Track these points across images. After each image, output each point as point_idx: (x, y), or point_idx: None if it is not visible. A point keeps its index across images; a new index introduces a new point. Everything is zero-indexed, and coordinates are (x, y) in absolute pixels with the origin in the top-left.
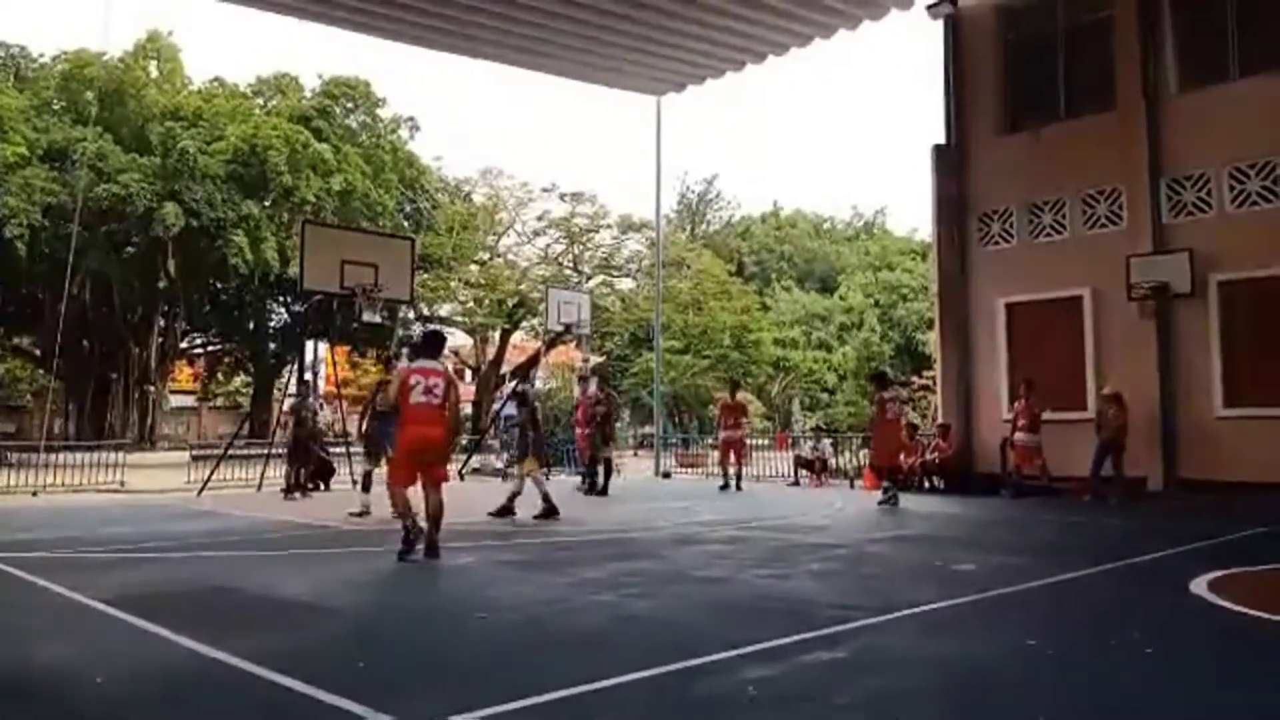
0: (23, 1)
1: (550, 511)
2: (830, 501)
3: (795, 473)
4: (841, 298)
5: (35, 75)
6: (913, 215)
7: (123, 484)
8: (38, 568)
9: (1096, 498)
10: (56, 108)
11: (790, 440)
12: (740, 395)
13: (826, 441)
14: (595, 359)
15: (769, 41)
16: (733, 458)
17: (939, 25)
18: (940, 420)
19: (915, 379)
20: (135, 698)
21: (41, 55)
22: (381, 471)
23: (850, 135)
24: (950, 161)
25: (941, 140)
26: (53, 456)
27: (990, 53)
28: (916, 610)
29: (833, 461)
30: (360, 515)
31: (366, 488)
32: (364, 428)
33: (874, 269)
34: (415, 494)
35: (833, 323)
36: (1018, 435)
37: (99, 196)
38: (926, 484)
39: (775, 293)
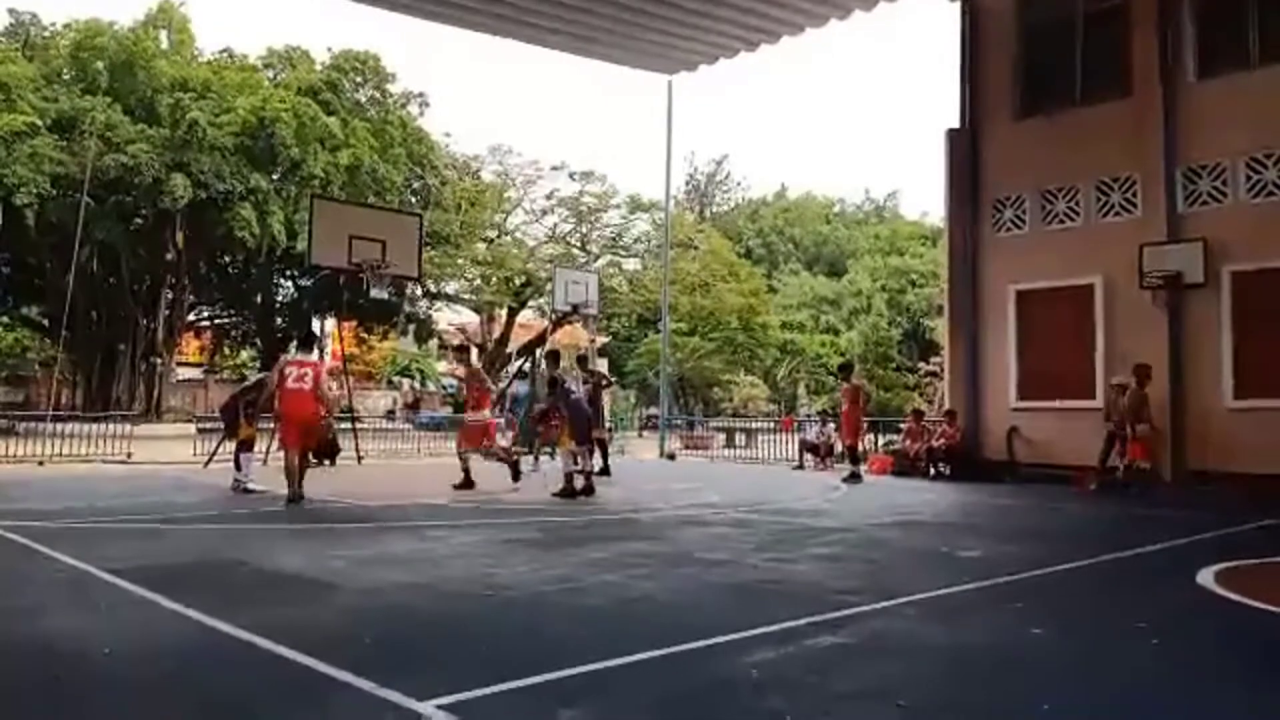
0: None
1: (570, 491)
2: (835, 485)
3: (800, 456)
4: (850, 282)
5: (45, 44)
6: (925, 200)
7: (129, 455)
8: (44, 537)
9: (1104, 486)
10: (66, 77)
11: (796, 424)
12: (748, 377)
13: (831, 425)
14: (601, 339)
15: (783, 21)
16: (468, 444)
17: (956, 7)
18: (947, 406)
19: (923, 365)
20: (142, 669)
21: (52, 24)
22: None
23: (863, 118)
24: (964, 146)
25: (955, 124)
26: (59, 426)
27: (1006, 36)
28: (922, 596)
29: (838, 445)
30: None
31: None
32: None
33: (884, 254)
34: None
35: (841, 307)
36: (1138, 426)
37: (107, 167)
38: (933, 470)
39: (783, 275)
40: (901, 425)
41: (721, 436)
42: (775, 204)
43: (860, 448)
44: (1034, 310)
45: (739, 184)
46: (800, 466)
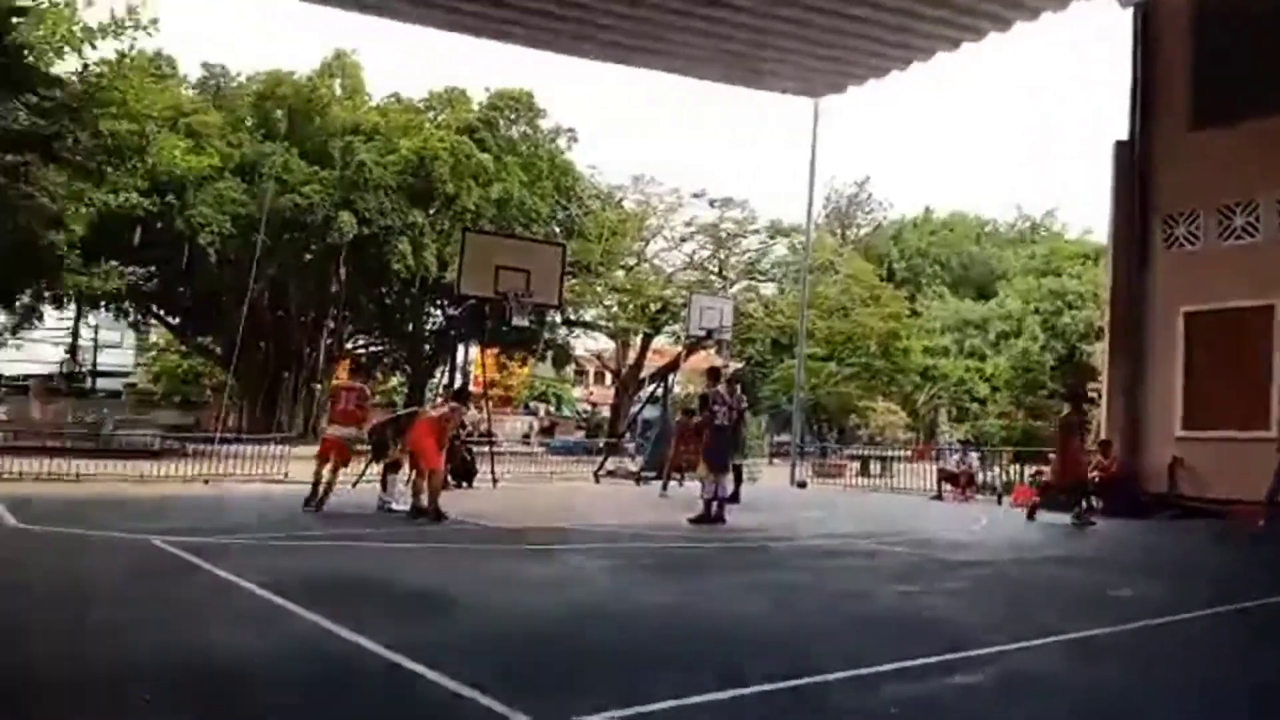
0: (226, 23)
1: (705, 518)
2: (976, 518)
3: (939, 486)
4: (999, 304)
5: (233, 94)
6: (1085, 217)
7: (286, 475)
8: (204, 551)
9: (1271, 523)
10: (249, 124)
11: (935, 452)
12: (885, 404)
13: (974, 454)
14: (734, 365)
15: (939, 37)
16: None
17: (1127, 14)
18: (1103, 436)
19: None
20: (289, 681)
21: (239, 74)
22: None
23: (1016, 133)
24: (1133, 159)
25: (1124, 136)
26: (224, 448)
27: (1182, 43)
28: (1066, 637)
29: (980, 476)
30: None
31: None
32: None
33: (1038, 274)
34: None
35: (988, 330)
36: None
37: (282, 207)
38: (1085, 503)
39: (927, 299)
40: (1051, 455)
41: (855, 464)
42: (921, 225)
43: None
44: (1205, 333)
45: (881, 205)
46: (939, 497)
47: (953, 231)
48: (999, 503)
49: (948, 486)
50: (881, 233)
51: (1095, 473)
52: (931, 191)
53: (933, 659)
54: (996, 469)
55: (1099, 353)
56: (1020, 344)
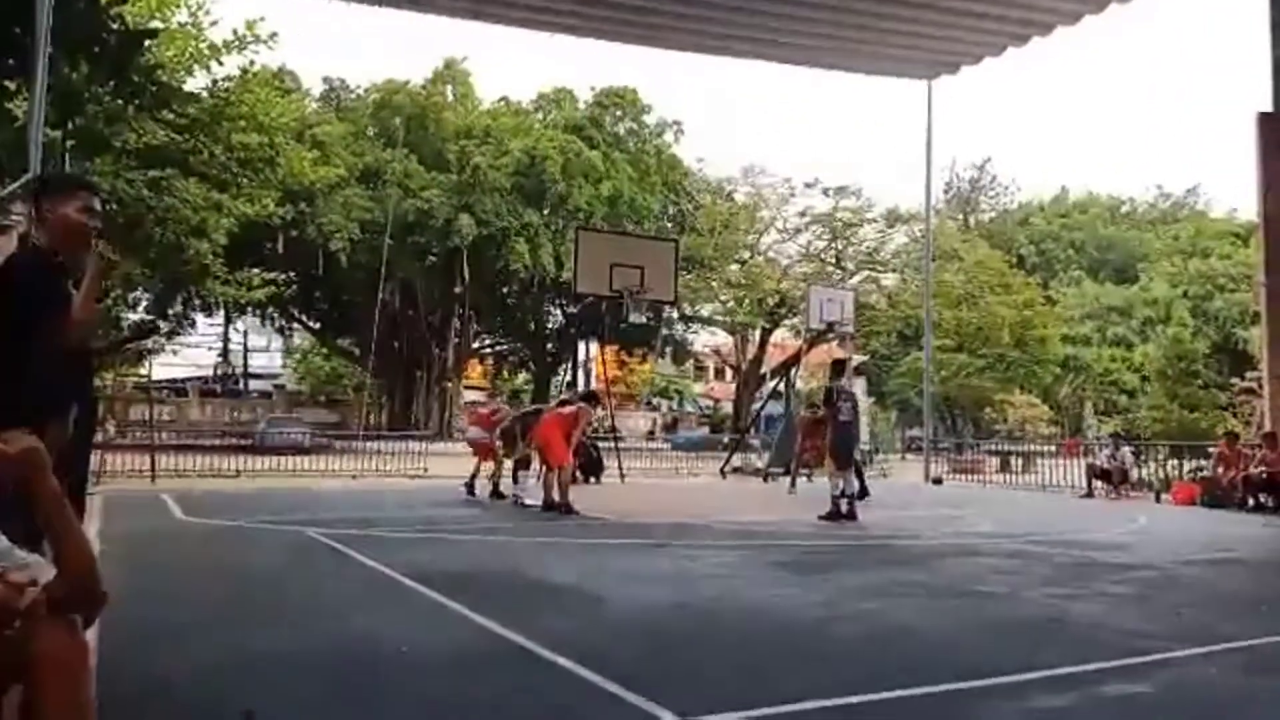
0: (345, 36)
1: (836, 515)
2: (1132, 517)
3: (1089, 483)
4: (1143, 288)
5: (353, 105)
6: (1232, 194)
7: (425, 470)
8: (351, 541)
9: None
10: (370, 134)
11: (1083, 448)
12: (1024, 396)
13: (1126, 449)
14: (857, 358)
15: (1057, 11)
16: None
17: None
18: (1267, 428)
19: (1236, 380)
20: (433, 669)
21: (358, 87)
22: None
23: (1150, 109)
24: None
25: (1268, 107)
26: (368, 444)
27: None
28: (1235, 645)
29: (1134, 472)
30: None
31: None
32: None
33: (1184, 256)
34: None
35: (1133, 316)
36: None
37: (405, 211)
38: (1250, 501)
39: (1062, 285)
40: (1211, 449)
41: (995, 460)
42: (1051, 208)
43: None
44: None
45: (1006, 188)
46: (1089, 494)
47: (1085, 213)
48: (1157, 500)
49: (1099, 483)
50: (1008, 217)
51: (1261, 468)
52: (1058, 173)
53: (1085, 667)
54: (1152, 465)
55: (1256, 338)
56: (1170, 330)
